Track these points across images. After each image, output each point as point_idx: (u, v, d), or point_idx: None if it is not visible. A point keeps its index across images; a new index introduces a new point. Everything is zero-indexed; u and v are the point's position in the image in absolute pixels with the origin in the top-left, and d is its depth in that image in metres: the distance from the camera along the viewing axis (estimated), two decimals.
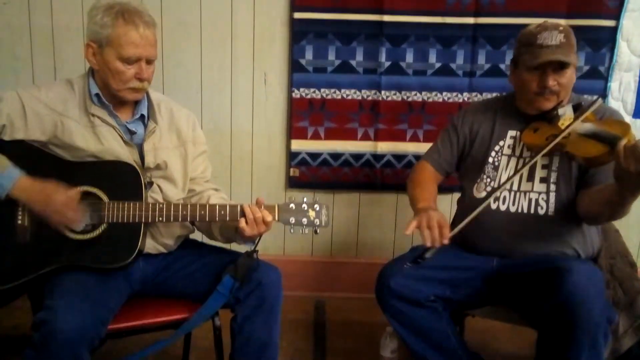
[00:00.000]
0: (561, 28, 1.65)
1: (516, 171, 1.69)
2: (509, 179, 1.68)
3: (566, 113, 1.67)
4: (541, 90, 1.66)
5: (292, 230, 1.57)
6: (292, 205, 1.56)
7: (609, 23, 2.41)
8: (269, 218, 1.52)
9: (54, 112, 1.54)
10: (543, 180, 1.71)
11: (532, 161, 1.66)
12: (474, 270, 1.73)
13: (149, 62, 1.56)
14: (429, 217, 1.57)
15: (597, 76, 2.45)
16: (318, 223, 1.57)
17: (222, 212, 1.54)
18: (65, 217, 1.46)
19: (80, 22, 2.37)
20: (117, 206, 1.50)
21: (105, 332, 1.44)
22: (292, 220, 1.56)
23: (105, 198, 1.51)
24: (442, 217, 1.59)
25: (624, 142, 1.41)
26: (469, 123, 1.85)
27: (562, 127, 1.63)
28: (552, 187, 1.69)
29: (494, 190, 1.70)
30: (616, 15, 2.39)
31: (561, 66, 1.63)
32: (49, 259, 1.49)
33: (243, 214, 1.52)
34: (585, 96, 2.27)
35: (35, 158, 1.53)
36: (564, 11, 2.39)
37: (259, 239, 1.59)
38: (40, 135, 1.54)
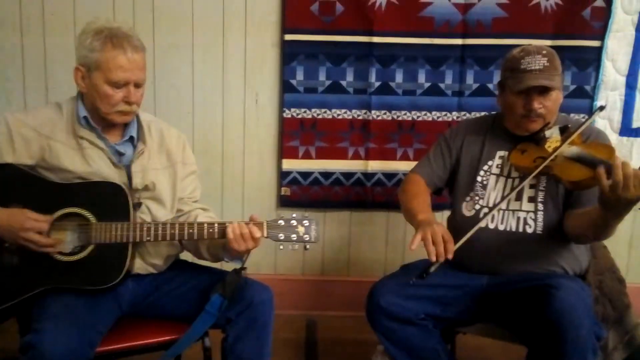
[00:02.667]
0: (544, 52, 1.67)
1: (511, 190, 1.70)
2: (503, 198, 1.69)
3: (553, 135, 1.69)
4: (527, 113, 1.68)
5: (281, 247, 1.56)
6: (280, 221, 1.56)
7: (594, 43, 2.46)
8: (257, 234, 1.52)
9: (41, 135, 1.55)
10: (531, 199, 1.72)
11: (520, 186, 1.68)
12: (464, 288, 1.73)
13: (138, 85, 1.57)
14: (433, 232, 1.57)
15: (583, 95, 2.49)
16: (308, 239, 1.56)
17: (210, 230, 1.53)
18: (35, 247, 1.46)
19: (72, 44, 2.38)
20: (104, 227, 1.50)
21: (93, 355, 1.43)
22: (281, 236, 1.55)
23: (92, 219, 1.51)
24: (446, 231, 1.59)
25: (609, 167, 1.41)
26: (461, 140, 1.87)
27: (549, 150, 1.65)
28: (540, 206, 1.71)
29: (491, 209, 1.70)
30: (601, 35, 2.45)
31: (546, 89, 1.65)
32: (36, 281, 1.49)
33: (231, 230, 1.52)
34: (572, 115, 2.31)
35: (23, 181, 1.53)
36: (549, 32, 2.44)
37: (247, 257, 1.58)
38: (27, 159, 1.54)
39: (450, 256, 1.55)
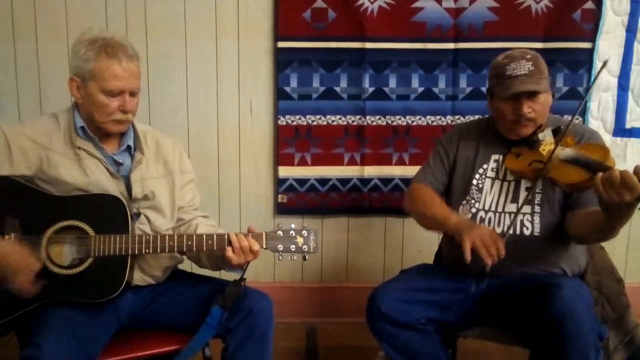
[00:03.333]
0: (528, 56, 1.68)
1: (527, 193, 1.69)
2: (522, 205, 1.68)
3: (546, 138, 1.70)
4: (517, 118, 1.69)
5: (280, 257, 1.56)
6: (279, 232, 1.56)
7: (585, 45, 2.48)
8: (255, 247, 1.52)
9: (39, 146, 1.54)
10: (528, 201, 1.72)
11: (534, 189, 1.68)
12: (464, 292, 1.73)
13: (133, 94, 1.57)
14: (481, 235, 1.57)
15: (575, 97, 2.50)
16: (306, 249, 1.56)
17: (209, 242, 1.53)
18: (18, 287, 1.42)
19: (66, 55, 2.37)
20: (103, 239, 1.49)
21: None
22: (280, 247, 1.55)
23: (91, 232, 1.50)
24: (492, 231, 1.61)
25: (600, 174, 1.41)
26: (456, 143, 1.87)
27: (544, 152, 1.66)
28: (537, 208, 1.71)
29: (517, 212, 1.68)
30: (591, 37, 2.47)
31: (534, 93, 1.66)
32: (35, 295, 1.47)
33: (230, 243, 1.52)
34: (565, 116, 2.32)
35: (20, 194, 1.52)
36: (540, 35, 2.46)
37: (247, 267, 1.58)
38: (25, 170, 1.53)
39: (503, 254, 1.56)
